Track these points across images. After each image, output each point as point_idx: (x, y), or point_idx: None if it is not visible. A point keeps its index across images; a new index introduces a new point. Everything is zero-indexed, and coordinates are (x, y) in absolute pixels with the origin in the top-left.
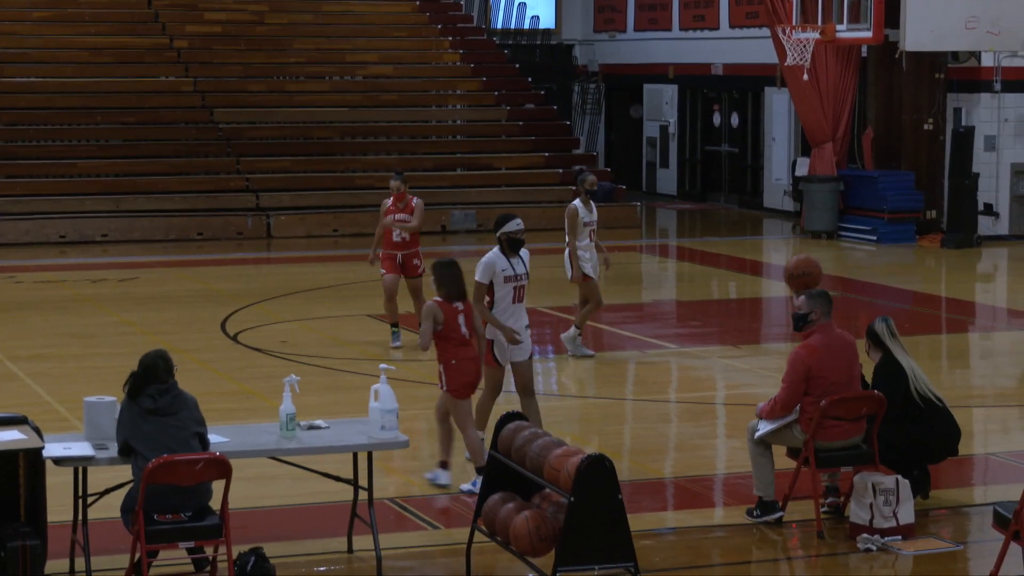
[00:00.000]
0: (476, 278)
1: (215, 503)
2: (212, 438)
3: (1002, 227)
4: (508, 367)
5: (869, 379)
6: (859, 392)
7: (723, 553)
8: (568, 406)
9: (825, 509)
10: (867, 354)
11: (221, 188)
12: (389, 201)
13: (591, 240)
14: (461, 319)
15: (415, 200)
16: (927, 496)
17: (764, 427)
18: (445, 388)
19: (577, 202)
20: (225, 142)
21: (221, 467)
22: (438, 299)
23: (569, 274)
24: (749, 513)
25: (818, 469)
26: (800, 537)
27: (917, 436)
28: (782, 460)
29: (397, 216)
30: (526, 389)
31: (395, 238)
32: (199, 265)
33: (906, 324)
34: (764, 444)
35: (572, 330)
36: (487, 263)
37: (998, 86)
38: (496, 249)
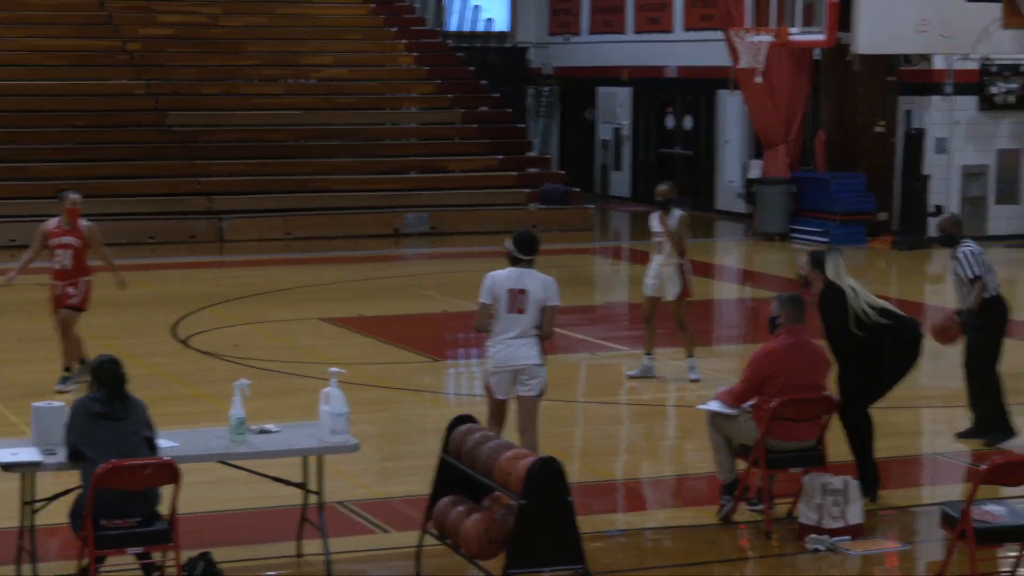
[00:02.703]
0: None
1: (164, 508)
2: (161, 443)
3: None
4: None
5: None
6: (812, 394)
7: (672, 554)
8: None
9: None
10: (804, 284)
11: (174, 191)
12: (54, 222)
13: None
14: None
15: (85, 224)
16: (875, 499)
17: (715, 405)
18: None
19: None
20: (178, 145)
21: (170, 472)
22: None
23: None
24: (719, 510)
25: (768, 469)
26: (749, 538)
27: (868, 369)
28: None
29: (63, 240)
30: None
31: (56, 265)
32: (151, 269)
33: None
34: (723, 434)
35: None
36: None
37: (949, 89)
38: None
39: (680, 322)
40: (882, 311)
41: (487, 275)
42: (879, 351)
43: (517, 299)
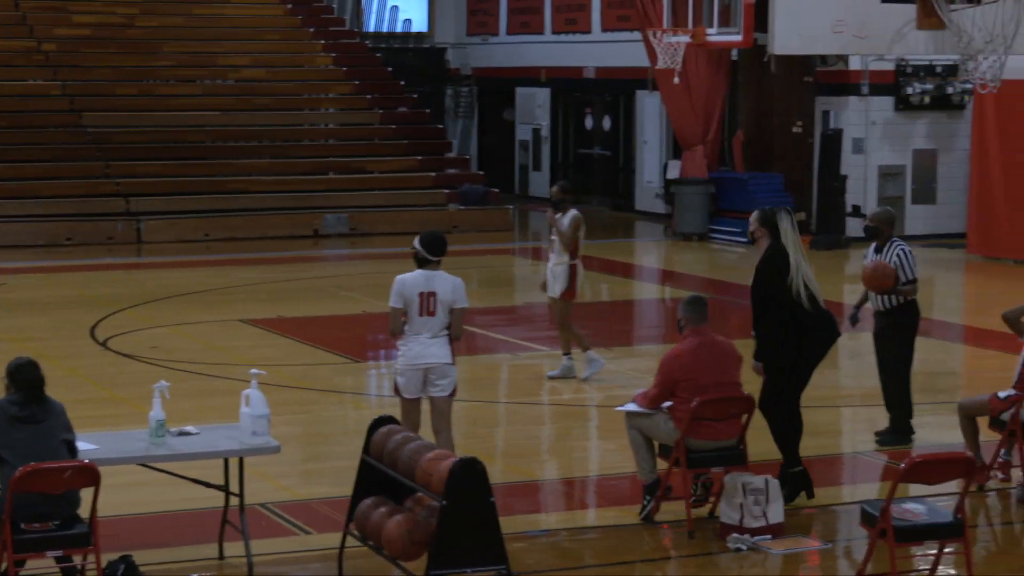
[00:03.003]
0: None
1: (84, 511)
2: (81, 445)
3: None
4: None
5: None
6: (729, 393)
7: (595, 554)
8: None
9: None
10: (751, 240)
11: (91, 193)
12: None
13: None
14: None
15: None
16: (812, 495)
17: (632, 407)
18: None
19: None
20: (95, 146)
21: (90, 475)
22: None
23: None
24: (641, 510)
25: (689, 469)
26: (671, 537)
27: (791, 343)
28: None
29: None
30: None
31: None
32: (68, 271)
33: None
34: (642, 433)
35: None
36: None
37: (866, 89)
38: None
39: (562, 321)
40: (811, 298)
41: (396, 279)
42: (800, 332)
43: (427, 302)
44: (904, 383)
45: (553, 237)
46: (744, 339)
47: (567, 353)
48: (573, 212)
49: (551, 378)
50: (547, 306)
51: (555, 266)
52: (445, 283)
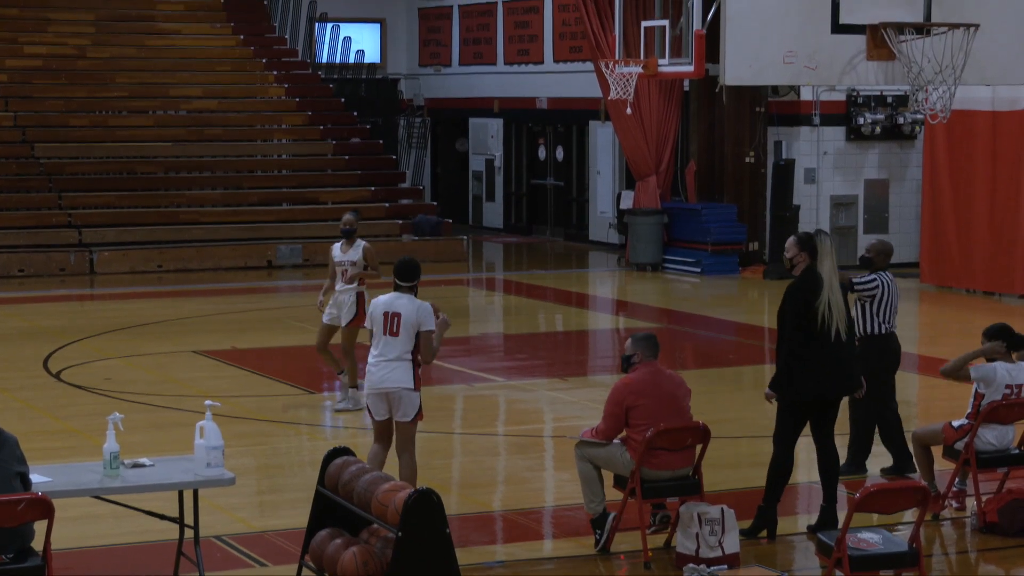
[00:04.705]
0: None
1: (37, 544)
2: (34, 478)
3: None
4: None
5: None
6: (684, 423)
7: None
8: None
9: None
10: (789, 267)
11: (43, 224)
12: None
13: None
14: None
15: None
16: (773, 537)
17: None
18: None
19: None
20: (46, 177)
21: (43, 507)
22: None
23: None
24: (596, 543)
25: (644, 499)
26: (628, 568)
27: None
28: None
29: None
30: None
31: None
32: (21, 302)
33: (730, 355)
34: (593, 465)
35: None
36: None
37: (817, 120)
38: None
39: (347, 350)
40: (836, 332)
41: (423, 303)
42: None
43: (392, 322)
44: (888, 415)
45: (341, 267)
46: (700, 368)
47: (354, 386)
48: (363, 242)
49: (337, 412)
50: (508, 336)
51: (342, 294)
52: (411, 305)
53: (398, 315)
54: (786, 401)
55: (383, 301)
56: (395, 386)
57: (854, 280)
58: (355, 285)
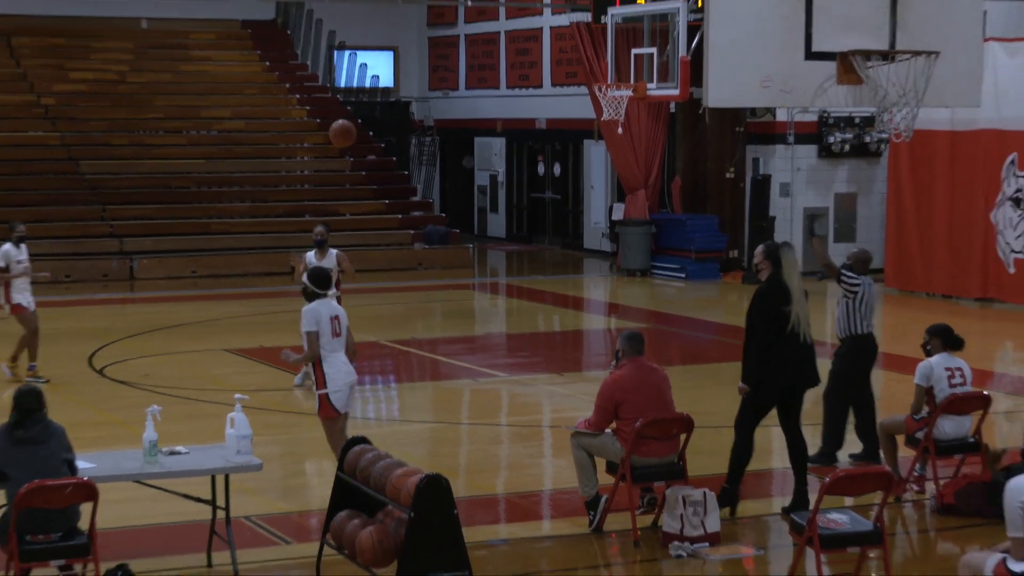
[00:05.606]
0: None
1: (84, 524)
2: (80, 464)
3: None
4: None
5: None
6: (669, 414)
7: (550, 561)
8: (408, 430)
9: (642, 509)
10: (755, 271)
11: (87, 234)
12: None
13: None
14: None
15: None
16: (734, 513)
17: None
18: None
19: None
20: (90, 191)
21: (88, 491)
22: None
23: None
24: (590, 523)
25: (634, 484)
26: (619, 546)
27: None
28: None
29: None
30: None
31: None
32: (67, 305)
33: (712, 353)
34: (587, 452)
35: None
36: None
37: (791, 139)
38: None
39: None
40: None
41: (307, 308)
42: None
43: (335, 324)
44: (865, 407)
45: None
46: (685, 365)
47: None
48: (335, 251)
49: (297, 386)
50: (510, 336)
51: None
52: (339, 308)
53: (338, 317)
54: (754, 394)
55: (324, 307)
56: (355, 377)
57: (843, 273)
58: (335, 291)
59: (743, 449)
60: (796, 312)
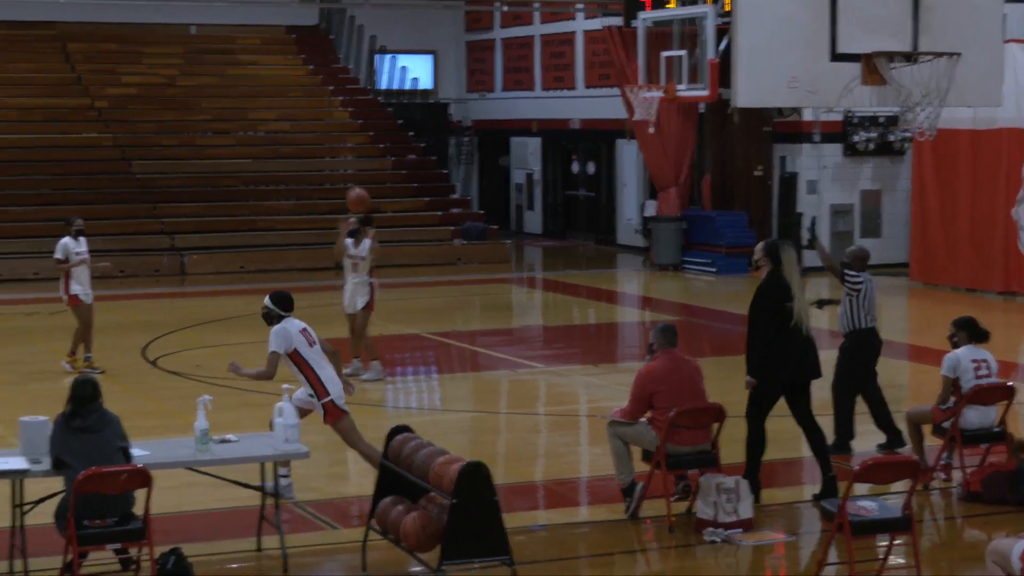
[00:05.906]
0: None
1: (138, 509)
2: (134, 451)
3: None
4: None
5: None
6: (703, 404)
7: (587, 546)
8: (449, 419)
9: (677, 496)
10: (754, 267)
11: (139, 231)
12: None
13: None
14: None
15: None
16: (758, 500)
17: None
18: None
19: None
20: (142, 190)
21: (143, 477)
22: None
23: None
24: (626, 509)
25: (668, 471)
26: (654, 531)
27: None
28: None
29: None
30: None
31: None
32: (121, 299)
33: (742, 345)
34: (623, 441)
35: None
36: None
37: (817, 137)
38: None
39: (360, 331)
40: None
41: (276, 329)
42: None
43: (307, 336)
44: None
45: (351, 261)
46: (716, 356)
47: (357, 356)
48: (368, 240)
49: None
50: (547, 328)
51: (356, 284)
52: (302, 322)
53: (306, 329)
54: (760, 387)
55: (291, 325)
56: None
57: (845, 272)
58: (366, 276)
59: (755, 440)
60: (797, 308)
